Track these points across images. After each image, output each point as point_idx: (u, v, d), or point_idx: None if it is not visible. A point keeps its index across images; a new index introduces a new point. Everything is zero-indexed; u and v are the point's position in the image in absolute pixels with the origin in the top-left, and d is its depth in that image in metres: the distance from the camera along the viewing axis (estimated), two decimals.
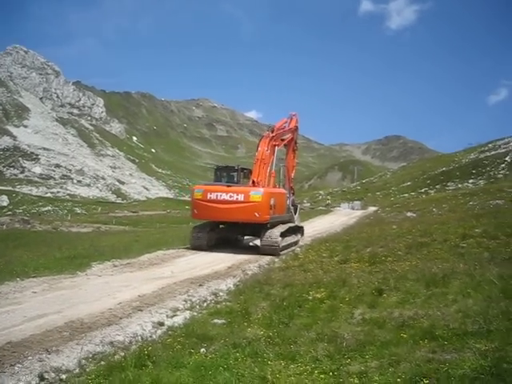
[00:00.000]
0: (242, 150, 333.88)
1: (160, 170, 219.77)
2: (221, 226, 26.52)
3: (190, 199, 27.50)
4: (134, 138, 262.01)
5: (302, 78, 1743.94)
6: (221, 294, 13.99)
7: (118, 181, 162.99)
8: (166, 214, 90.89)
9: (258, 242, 26.46)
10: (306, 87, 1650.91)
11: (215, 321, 10.57)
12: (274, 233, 24.08)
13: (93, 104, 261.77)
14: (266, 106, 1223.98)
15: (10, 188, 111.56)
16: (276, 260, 20.49)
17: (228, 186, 24.30)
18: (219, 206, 23.78)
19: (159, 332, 10.44)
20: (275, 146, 26.86)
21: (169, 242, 28.60)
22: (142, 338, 9.90)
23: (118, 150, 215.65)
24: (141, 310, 12.20)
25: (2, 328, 10.46)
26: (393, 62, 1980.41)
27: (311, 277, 14.45)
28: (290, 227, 26.91)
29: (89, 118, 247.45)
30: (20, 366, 8.51)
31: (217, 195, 23.94)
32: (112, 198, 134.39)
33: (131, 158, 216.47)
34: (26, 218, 59.82)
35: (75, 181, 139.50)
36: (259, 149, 25.90)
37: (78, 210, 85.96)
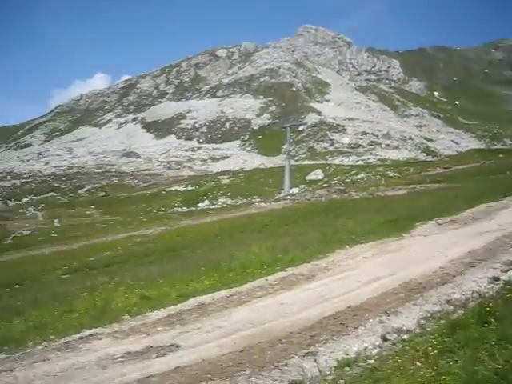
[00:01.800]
0: None
1: (467, 122, 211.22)
2: None
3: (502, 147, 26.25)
4: (436, 93, 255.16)
5: None
6: None
7: (426, 139, 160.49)
8: (480, 166, 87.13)
9: None
10: None
11: None
12: None
13: (389, 67, 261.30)
14: None
15: (323, 161, 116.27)
16: None
17: None
18: None
19: (496, 287, 10.02)
20: None
21: (489, 194, 27.34)
22: (479, 295, 9.59)
23: (420, 108, 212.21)
24: (473, 267, 11.86)
25: (340, 293, 10.94)
26: None
27: None
28: None
29: (387, 81, 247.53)
30: (362, 328, 8.81)
31: None
32: (422, 156, 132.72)
33: (435, 113, 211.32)
34: (342, 187, 61.99)
35: (383, 145, 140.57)
36: None
37: (391, 174, 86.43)
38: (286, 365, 7.76)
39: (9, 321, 13.08)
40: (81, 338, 10.40)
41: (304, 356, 7.97)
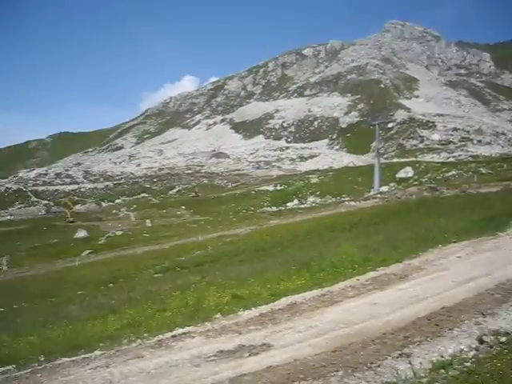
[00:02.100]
0: None
1: None
2: None
3: None
4: None
5: None
6: None
7: None
8: None
9: None
10: None
11: None
12: None
13: (479, 60, 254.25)
14: None
15: (413, 159, 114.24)
16: None
17: None
18: None
19: None
20: None
21: None
22: None
23: None
24: None
25: (434, 293, 10.72)
26: None
27: None
28: None
29: (477, 75, 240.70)
30: (458, 329, 8.62)
31: None
32: None
33: None
34: (433, 185, 60.77)
35: (475, 141, 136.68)
36: None
37: (483, 170, 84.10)
38: (379, 366, 7.67)
39: (104, 318, 13.56)
40: (174, 336, 10.63)
41: (398, 357, 7.86)
